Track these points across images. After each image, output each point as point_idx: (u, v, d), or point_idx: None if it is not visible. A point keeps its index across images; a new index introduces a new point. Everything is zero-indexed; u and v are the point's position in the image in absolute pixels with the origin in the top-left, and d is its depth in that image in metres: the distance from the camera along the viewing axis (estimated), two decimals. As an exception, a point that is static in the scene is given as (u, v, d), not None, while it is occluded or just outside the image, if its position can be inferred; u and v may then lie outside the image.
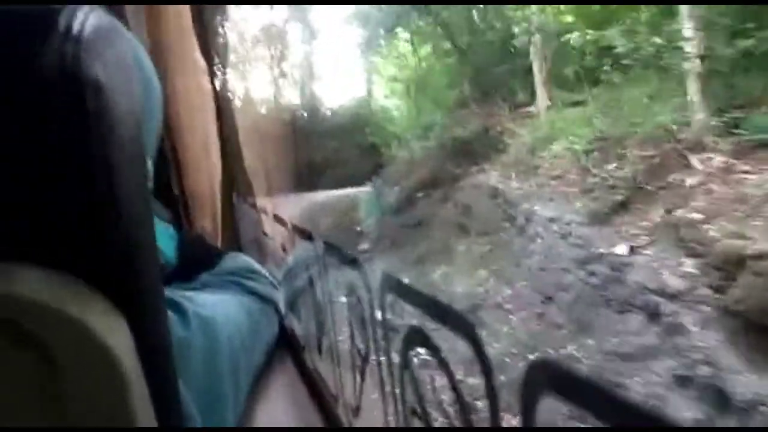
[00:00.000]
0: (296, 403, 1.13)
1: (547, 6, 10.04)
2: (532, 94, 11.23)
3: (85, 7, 0.43)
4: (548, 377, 0.50)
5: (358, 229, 14.05)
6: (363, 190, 17.71)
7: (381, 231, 12.57)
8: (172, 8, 1.25)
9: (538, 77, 10.72)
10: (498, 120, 11.27)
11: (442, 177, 11.63)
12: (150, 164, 0.66)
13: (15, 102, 0.39)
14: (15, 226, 0.41)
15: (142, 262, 0.47)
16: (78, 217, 0.42)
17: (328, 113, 24.49)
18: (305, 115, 22.90)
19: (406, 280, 0.96)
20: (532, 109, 10.99)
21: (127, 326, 0.45)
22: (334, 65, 29.97)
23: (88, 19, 0.42)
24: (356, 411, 1.14)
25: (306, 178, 18.81)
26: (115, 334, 0.44)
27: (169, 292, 0.68)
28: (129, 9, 1.19)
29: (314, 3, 22.30)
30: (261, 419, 0.96)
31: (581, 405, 0.42)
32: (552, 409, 0.49)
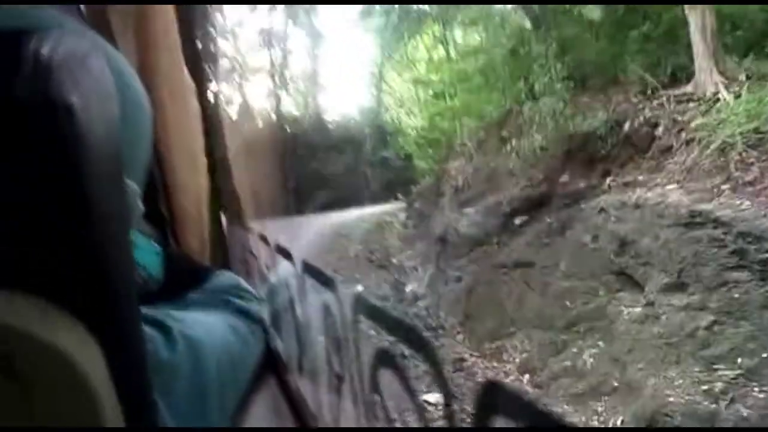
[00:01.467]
0: (280, 422, 1.21)
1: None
2: (678, 72, 8.08)
3: (57, 32, 0.45)
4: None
5: (401, 263, 11.93)
6: (388, 209, 17.38)
7: (446, 278, 9.21)
8: (160, 26, 1.30)
9: (700, 46, 7.39)
10: (632, 108, 7.94)
11: (555, 192, 8.03)
12: (137, 187, 0.69)
13: None
14: None
15: (117, 284, 0.50)
16: (50, 240, 0.44)
17: (332, 124, 24.24)
18: (306, 126, 22.77)
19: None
20: (687, 89, 7.63)
21: (99, 348, 0.47)
22: (341, 70, 29.53)
23: (60, 44, 0.44)
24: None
25: (309, 197, 18.79)
26: (87, 356, 0.45)
27: (155, 312, 0.72)
28: (117, 29, 1.28)
29: (314, 3, 22.46)
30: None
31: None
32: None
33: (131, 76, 0.69)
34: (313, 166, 20.90)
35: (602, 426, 4.95)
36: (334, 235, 13.59)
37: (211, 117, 1.51)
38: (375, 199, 20.18)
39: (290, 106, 23.16)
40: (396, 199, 16.61)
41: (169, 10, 1.34)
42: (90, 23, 1.35)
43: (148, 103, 0.73)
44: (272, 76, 22.50)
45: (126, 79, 0.66)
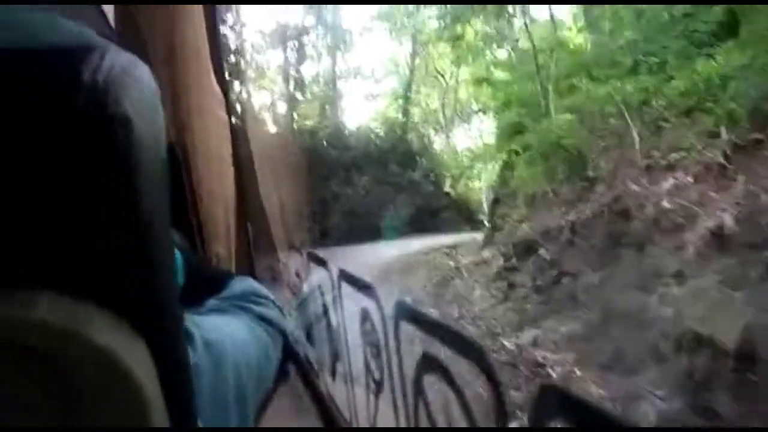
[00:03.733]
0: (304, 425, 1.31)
1: None
2: None
3: (112, 46, 0.52)
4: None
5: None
6: (463, 239, 17.82)
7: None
8: (189, 36, 1.43)
9: None
10: None
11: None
12: None
13: (49, 137, 0.46)
14: (37, 253, 0.47)
15: (163, 287, 0.55)
16: (102, 244, 0.49)
17: (352, 138, 23.02)
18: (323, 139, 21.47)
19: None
20: None
21: (147, 350, 0.51)
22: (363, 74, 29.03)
23: (114, 60, 0.50)
24: None
25: (327, 225, 18.61)
26: (136, 358, 0.50)
27: None
28: (147, 39, 1.43)
29: (329, 3, 22.95)
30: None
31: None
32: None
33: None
34: (331, 187, 20.28)
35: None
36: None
37: (237, 126, 1.63)
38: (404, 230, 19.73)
39: (306, 114, 22.14)
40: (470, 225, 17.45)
41: (199, 20, 1.48)
42: (120, 32, 1.51)
43: (161, 107, 0.80)
44: (286, 79, 22.09)
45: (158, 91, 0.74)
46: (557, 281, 9.62)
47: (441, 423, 1.13)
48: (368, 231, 19.20)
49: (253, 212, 1.59)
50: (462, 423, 1.06)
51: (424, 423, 1.15)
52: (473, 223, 26.00)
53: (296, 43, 21.74)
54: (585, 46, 15.19)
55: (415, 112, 25.13)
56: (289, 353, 1.25)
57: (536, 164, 13.09)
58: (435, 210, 21.02)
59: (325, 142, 21.76)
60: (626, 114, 9.84)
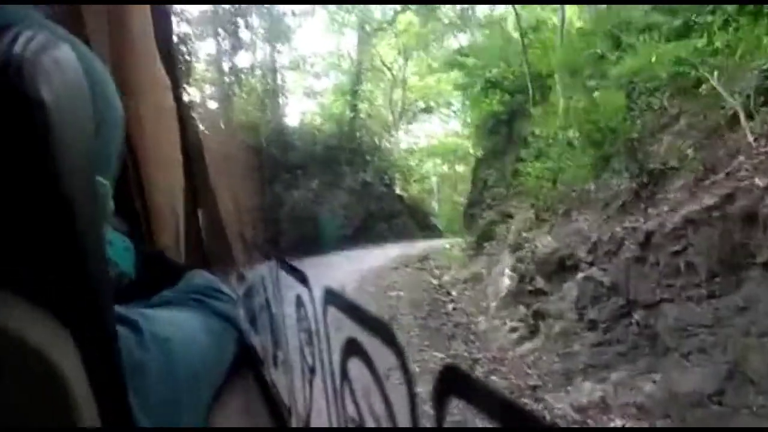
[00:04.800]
0: (254, 418, 1.44)
1: None
2: None
3: (29, 27, 0.53)
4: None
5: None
6: (432, 248, 18.81)
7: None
8: (136, 23, 1.58)
9: None
10: None
11: None
12: (107, 183, 0.79)
13: None
14: None
15: (91, 280, 0.58)
16: (23, 236, 0.51)
17: (297, 137, 22.65)
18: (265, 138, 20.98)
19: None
20: None
21: (73, 343, 0.54)
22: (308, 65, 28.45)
23: (32, 40, 0.52)
24: (306, 421, 1.47)
25: (273, 234, 17.89)
26: (61, 350, 0.52)
27: (127, 311, 0.81)
28: (90, 24, 1.51)
29: (311, 3, 23.29)
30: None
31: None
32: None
33: (103, 73, 0.78)
34: (275, 189, 19.73)
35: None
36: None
37: (185, 114, 1.76)
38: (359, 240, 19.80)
39: (243, 109, 21.98)
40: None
41: (145, 11, 1.60)
42: (64, 23, 1.61)
43: (119, 99, 0.83)
44: (220, 71, 21.20)
45: (97, 75, 0.75)
46: (624, 314, 7.81)
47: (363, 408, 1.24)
48: (317, 241, 18.94)
49: (203, 202, 1.70)
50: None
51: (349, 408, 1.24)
52: (428, 229, 25.97)
53: (230, 29, 21.01)
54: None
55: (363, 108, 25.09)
56: (243, 347, 1.36)
57: (546, 157, 12.72)
58: (389, 214, 20.79)
59: (264, 141, 21.25)
60: (716, 81, 7.98)
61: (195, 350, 0.95)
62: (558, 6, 15.11)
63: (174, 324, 0.94)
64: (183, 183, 1.55)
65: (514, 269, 10.94)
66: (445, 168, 36.89)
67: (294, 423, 1.44)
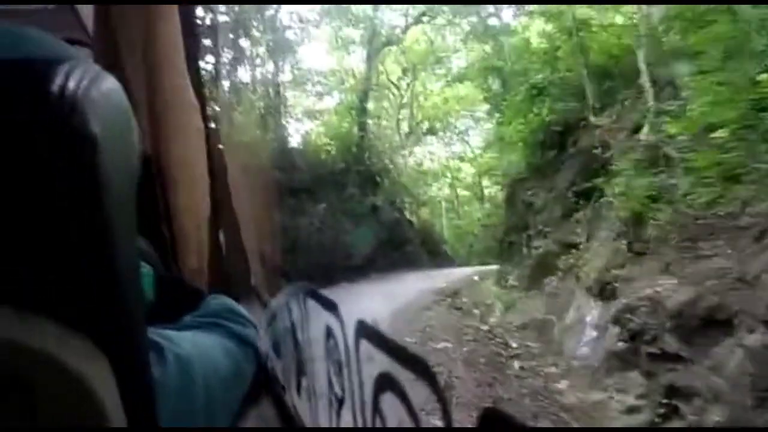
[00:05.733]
0: None
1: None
2: None
3: (83, 63, 0.59)
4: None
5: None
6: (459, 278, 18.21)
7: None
8: (167, 47, 1.72)
9: None
10: None
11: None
12: None
13: (12, 155, 0.52)
14: (0, 272, 0.54)
15: (127, 304, 0.63)
16: (67, 265, 0.56)
17: (301, 158, 22.52)
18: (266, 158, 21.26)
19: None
20: None
21: (109, 367, 0.59)
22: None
23: (85, 74, 0.57)
24: None
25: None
26: (97, 374, 0.57)
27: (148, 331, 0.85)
28: (125, 50, 1.66)
29: (318, 3, 23.63)
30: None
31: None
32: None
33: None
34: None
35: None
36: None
37: (212, 137, 1.86)
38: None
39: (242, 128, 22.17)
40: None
41: (176, 31, 1.72)
42: (99, 45, 1.73)
43: (134, 118, 0.82)
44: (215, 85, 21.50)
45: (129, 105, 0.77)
46: None
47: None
48: (327, 271, 18.13)
49: (226, 225, 1.80)
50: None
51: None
52: (439, 257, 25.85)
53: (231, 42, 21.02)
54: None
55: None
56: (262, 371, 1.41)
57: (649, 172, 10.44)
58: (401, 242, 20.55)
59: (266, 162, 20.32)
60: None
61: (213, 371, 0.99)
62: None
63: (193, 345, 0.98)
64: (209, 205, 1.62)
65: (617, 321, 8.78)
66: (461, 191, 37.02)
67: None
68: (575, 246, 12.54)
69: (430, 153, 37.03)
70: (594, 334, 9.60)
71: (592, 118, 14.25)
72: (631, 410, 7.74)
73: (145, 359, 0.70)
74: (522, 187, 17.49)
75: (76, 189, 0.55)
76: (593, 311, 9.97)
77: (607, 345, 8.86)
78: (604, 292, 9.78)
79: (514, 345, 11.86)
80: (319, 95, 28.91)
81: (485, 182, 34.87)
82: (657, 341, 7.75)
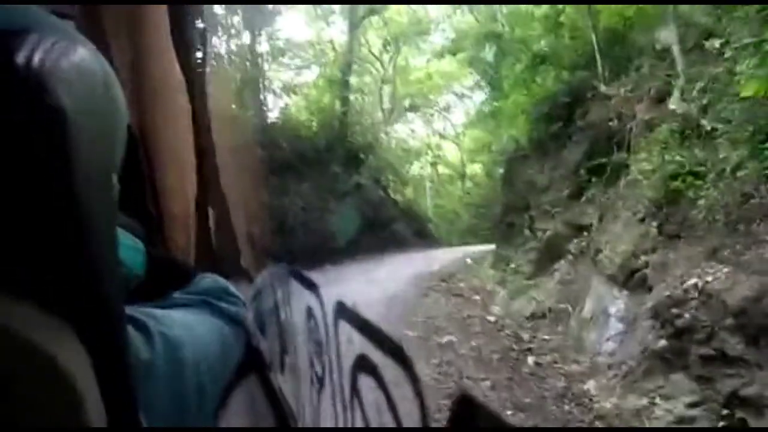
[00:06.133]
0: (259, 420, 1.61)
1: None
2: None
3: (51, 34, 0.59)
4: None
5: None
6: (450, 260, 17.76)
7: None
8: (152, 22, 1.79)
9: None
10: None
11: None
12: (117, 183, 0.80)
13: None
14: None
15: (103, 285, 0.64)
16: (36, 241, 0.57)
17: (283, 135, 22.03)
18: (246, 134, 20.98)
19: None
20: None
21: (84, 349, 0.60)
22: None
23: (54, 46, 0.57)
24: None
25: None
26: (72, 356, 0.58)
27: (134, 311, 0.90)
28: (110, 30, 1.72)
29: (313, 3, 23.72)
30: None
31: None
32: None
33: (110, 73, 0.80)
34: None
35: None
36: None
37: (200, 115, 1.93)
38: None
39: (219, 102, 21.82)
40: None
41: (162, 10, 1.77)
42: (84, 25, 1.78)
43: (123, 98, 0.85)
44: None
45: (108, 77, 0.78)
46: None
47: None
48: (310, 253, 17.48)
49: (214, 202, 1.87)
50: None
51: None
52: (425, 237, 25.84)
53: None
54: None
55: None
56: (251, 351, 1.45)
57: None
58: (387, 221, 20.30)
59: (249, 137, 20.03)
60: None
61: (202, 351, 1.02)
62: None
63: (182, 325, 1.01)
64: (196, 184, 1.69)
65: (656, 315, 7.59)
66: (441, 169, 37.03)
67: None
68: (586, 228, 11.90)
69: (412, 130, 37.00)
70: (620, 327, 8.70)
71: (603, 88, 13.39)
72: (682, 420, 6.82)
73: (122, 340, 0.72)
74: (522, 164, 16.42)
75: (44, 165, 0.55)
76: (618, 302, 9.06)
77: (643, 342, 7.69)
78: (630, 280, 8.89)
79: (526, 337, 10.99)
80: (298, 69, 28.67)
81: (479, 158, 34.73)
82: (712, 341, 6.66)
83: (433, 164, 37.24)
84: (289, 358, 1.72)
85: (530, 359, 9.70)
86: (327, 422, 1.66)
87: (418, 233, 26.28)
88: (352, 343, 1.54)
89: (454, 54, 23.28)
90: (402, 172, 30.55)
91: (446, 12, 28.65)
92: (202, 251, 1.80)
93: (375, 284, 14.28)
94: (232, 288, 1.40)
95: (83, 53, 0.62)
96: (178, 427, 0.89)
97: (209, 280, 1.40)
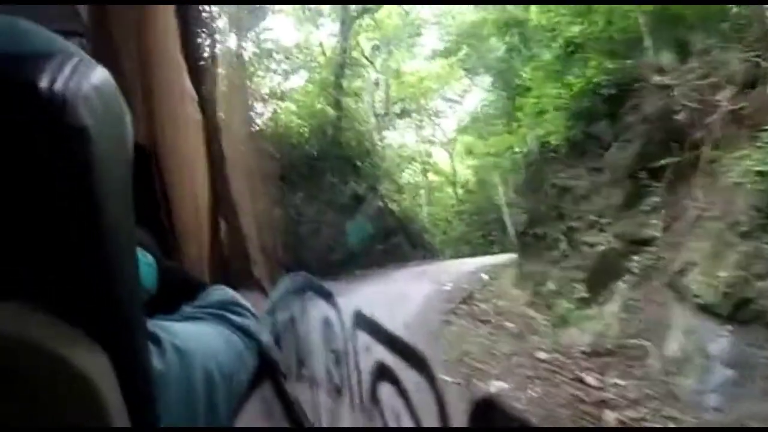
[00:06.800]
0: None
1: None
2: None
3: (73, 56, 0.64)
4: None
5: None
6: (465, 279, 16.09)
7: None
8: (161, 34, 1.91)
9: None
10: None
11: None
12: None
13: (4, 151, 0.56)
14: None
15: (124, 298, 0.69)
16: (61, 257, 0.61)
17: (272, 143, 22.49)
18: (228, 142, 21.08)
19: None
20: None
21: (108, 360, 0.64)
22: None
23: (76, 68, 0.62)
24: None
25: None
26: (96, 368, 0.62)
27: (146, 324, 0.92)
28: (118, 38, 1.80)
29: (318, 3, 23.92)
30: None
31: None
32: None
33: (120, 94, 0.81)
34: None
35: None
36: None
37: (210, 124, 2.01)
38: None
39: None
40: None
41: (170, 17, 1.87)
42: (93, 32, 1.86)
43: (127, 109, 0.83)
44: None
45: (120, 99, 0.79)
46: None
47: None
48: (306, 268, 16.89)
49: (225, 213, 1.94)
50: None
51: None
52: (423, 249, 25.68)
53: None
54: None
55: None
56: (264, 362, 1.49)
57: None
58: (386, 234, 20.04)
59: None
60: None
61: (214, 362, 1.06)
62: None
63: (193, 337, 1.05)
64: (208, 196, 1.76)
65: None
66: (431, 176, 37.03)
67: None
68: (647, 242, 10.17)
69: (403, 136, 36.94)
70: (729, 374, 6.95)
71: (656, 78, 11.51)
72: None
73: (143, 352, 0.76)
74: (548, 167, 14.67)
75: (70, 182, 0.59)
76: (721, 340, 7.25)
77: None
78: (738, 312, 7.18)
79: (592, 382, 8.70)
80: (285, 73, 28.55)
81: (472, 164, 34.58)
82: None
83: (424, 172, 36.88)
84: (306, 369, 1.79)
85: (610, 414, 7.65)
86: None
87: (415, 244, 26.07)
88: (371, 352, 1.63)
89: (446, 57, 23.13)
90: (397, 180, 30.45)
91: (444, 10, 28.62)
92: (214, 262, 1.88)
93: (382, 307, 10.26)
94: (243, 300, 1.45)
95: (101, 74, 0.66)
96: (180, 428, 0.91)
97: (219, 292, 1.47)
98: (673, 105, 10.55)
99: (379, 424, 1.48)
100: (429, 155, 37.27)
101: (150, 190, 1.76)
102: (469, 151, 32.80)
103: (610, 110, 12.72)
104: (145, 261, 1.38)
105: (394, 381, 1.40)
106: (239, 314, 1.37)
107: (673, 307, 8.17)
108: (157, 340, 0.91)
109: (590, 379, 8.55)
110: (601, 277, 10.89)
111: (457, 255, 27.18)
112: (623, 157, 11.59)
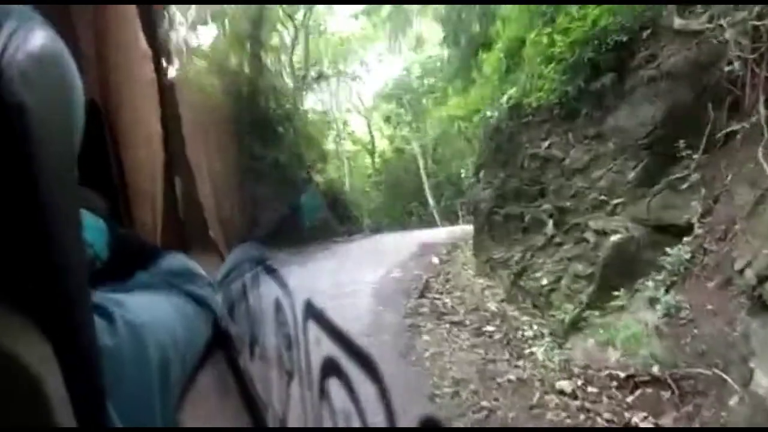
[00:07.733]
0: (227, 400, 1.76)
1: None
2: None
3: (11, 24, 0.64)
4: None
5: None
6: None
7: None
8: None
9: None
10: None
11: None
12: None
13: None
14: None
15: (66, 275, 0.71)
16: (1, 238, 0.63)
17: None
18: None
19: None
20: None
21: (48, 345, 0.66)
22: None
23: (12, 38, 0.63)
24: (283, 419, 1.80)
25: None
26: (37, 354, 0.64)
27: (98, 297, 1.01)
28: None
29: (311, 3, 23.96)
30: (190, 420, 1.54)
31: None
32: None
33: (69, 56, 0.83)
34: None
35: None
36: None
37: (165, 85, 2.07)
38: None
39: None
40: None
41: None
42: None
43: (77, 72, 0.85)
44: None
45: (64, 59, 0.81)
46: None
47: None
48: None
49: (180, 172, 2.00)
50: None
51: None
52: (349, 222, 25.54)
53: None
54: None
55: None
56: (218, 333, 1.59)
57: None
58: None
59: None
60: None
61: (168, 335, 1.11)
62: None
63: (146, 309, 1.10)
64: (163, 157, 1.82)
65: None
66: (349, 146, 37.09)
67: (270, 417, 1.78)
68: (680, 229, 8.66)
69: (322, 101, 36.67)
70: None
71: (678, 21, 9.95)
72: None
73: (88, 337, 0.78)
74: (525, 133, 12.95)
75: (4, 159, 0.60)
76: None
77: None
78: None
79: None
80: (193, 24, 27.84)
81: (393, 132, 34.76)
82: None
83: (338, 140, 36.39)
84: (258, 346, 1.87)
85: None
86: (296, 415, 1.81)
87: (342, 219, 25.70)
88: (320, 345, 1.71)
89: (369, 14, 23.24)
90: (321, 148, 30.21)
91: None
92: (169, 225, 1.97)
93: (323, 297, 9.46)
94: (199, 269, 1.54)
95: (39, 39, 0.68)
96: (162, 428, 0.99)
97: (175, 260, 1.54)
98: (700, 56, 9.18)
99: (330, 413, 1.57)
100: (346, 124, 37.14)
101: (102, 152, 1.84)
102: (387, 118, 33.08)
103: (619, 62, 10.91)
104: (96, 226, 1.40)
105: (343, 377, 1.48)
106: (194, 283, 1.46)
107: (750, 324, 6.10)
108: (108, 315, 0.97)
109: (634, 419, 6.58)
110: (617, 272, 9.16)
111: (378, 229, 27.54)
112: (632, 121, 10.05)
